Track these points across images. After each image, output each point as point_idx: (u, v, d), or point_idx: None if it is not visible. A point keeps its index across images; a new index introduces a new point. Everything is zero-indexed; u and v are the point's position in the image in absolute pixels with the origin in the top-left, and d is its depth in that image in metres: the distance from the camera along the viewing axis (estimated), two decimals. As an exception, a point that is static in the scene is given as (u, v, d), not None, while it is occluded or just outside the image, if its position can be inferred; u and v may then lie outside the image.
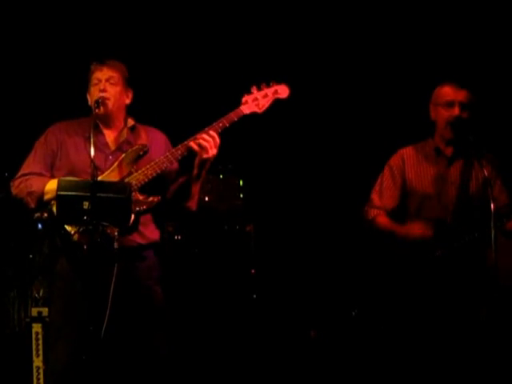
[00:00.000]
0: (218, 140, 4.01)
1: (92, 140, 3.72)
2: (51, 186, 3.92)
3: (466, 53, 5.50)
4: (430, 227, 4.35)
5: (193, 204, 4.15)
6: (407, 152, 4.55)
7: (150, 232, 4.10)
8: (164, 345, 4.03)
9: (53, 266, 4.02)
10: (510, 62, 5.48)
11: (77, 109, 4.18)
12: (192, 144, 3.99)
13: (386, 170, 4.56)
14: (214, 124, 4.04)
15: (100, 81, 4.07)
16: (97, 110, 3.96)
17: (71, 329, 3.89)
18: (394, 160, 4.56)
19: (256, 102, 4.14)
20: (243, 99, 4.14)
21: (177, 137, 4.16)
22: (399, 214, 4.52)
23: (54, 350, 3.97)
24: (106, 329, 3.77)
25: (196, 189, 4.11)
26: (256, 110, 4.14)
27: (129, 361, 3.97)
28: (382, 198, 4.53)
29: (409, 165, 4.52)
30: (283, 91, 4.19)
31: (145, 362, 3.98)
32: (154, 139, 4.17)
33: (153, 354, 3.99)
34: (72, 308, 3.90)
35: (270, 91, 4.17)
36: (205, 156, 3.98)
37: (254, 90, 4.17)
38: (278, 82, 4.19)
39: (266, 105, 4.16)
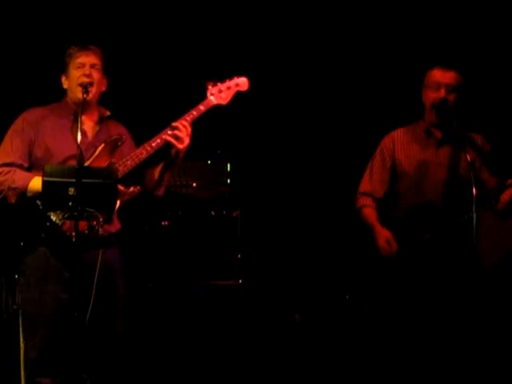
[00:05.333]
0: (189, 130, 4.06)
1: (79, 125, 3.75)
2: (35, 183, 3.91)
3: (463, 34, 5.49)
4: (393, 244, 4.39)
5: (162, 191, 4.23)
6: (398, 134, 4.59)
7: (116, 220, 4.15)
8: (124, 330, 4.13)
9: (25, 255, 4.06)
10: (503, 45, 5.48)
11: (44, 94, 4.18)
12: (168, 137, 4.03)
13: (377, 153, 4.60)
14: (185, 115, 4.08)
15: (85, 65, 4.06)
16: (84, 95, 3.95)
17: (46, 317, 3.95)
18: (385, 142, 4.60)
19: (220, 93, 4.17)
20: (209, 91, 4.17)
21: (148, 125, 4.21)
22: (390, 196, 4.55)
23: (30, 338, 4.05)
24: (89, 316, 3.88)
25: (168, 176, 4.21)
26: (221, 101, 4.17)
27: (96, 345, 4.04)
28: (371, 181, 4.57)
29: (399, 146, 4.55)
30: (243, 84, 4.23)
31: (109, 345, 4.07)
32: (121, 134, 4.19)
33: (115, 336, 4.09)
34: (47, 296, 3.95)
35: (231, 83, 4.20)
36: (180, 146, 4.04)
37: (216, 81, 4.20)
38: (239, 75, 4.23)
39: (229, 97, 4.19)
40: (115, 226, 4.15)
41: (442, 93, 4.40)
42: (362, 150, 4.87)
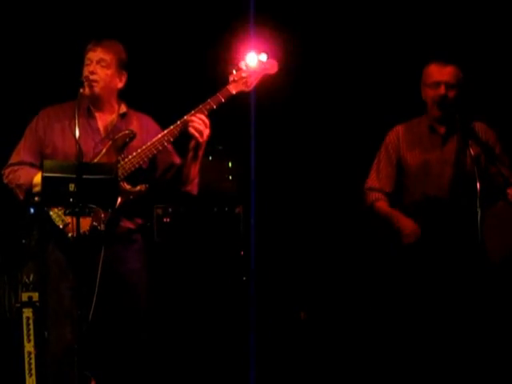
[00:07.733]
0: (207, 121, 3.94)
1: (77, 121, 3.68)
2: (39, 178, 3.85)
3: (462, 28, 5.45)
4: (418, 231, 4.35)
5: (193, 187, 4.12)
6: (402, 129, 4.56)
7: (137, 215, 4.08)
8: (145, 331, 4.08)
9: (43, 249, 4.05)
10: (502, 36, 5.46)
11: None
12: (190, 129, 3.92)
13: (383, 149, 4.57)
14: (201, 106, 3.96)
15: (91, 62, 4.01)
16: (81, 90, 3.90)
17: (67, 311, 3.92)
18: (390, 137, 4.57)
19: (244, 80, 4.01)
20: (230, 77, 4.02)
21: (163, 117, 4.13)
22: (398, 193, 4.53)
23: (52, 332, 4.04)
24: (95, 313, 3.83)
25: (194, 172, 4.06)
26: (244, 88, 4.02)
27: (113, 343, 4.04)
28: (379, 178, 4.54)
29: (404, 142, 4.52)
30: (272, 67, 4.06)
31: (126, 345, 4.04)
32: (145, 127, 4.13)
33: (134, 338, 4.04)
34: (65, 290, 3.94)
35: (258, 68, 4.04)
36: (201, 140, 3.93)
37: (241, 65, 4.04)
38: (267, 58, 4.06)
39: (255, 82, 4.04)
40: (135, 221, 4.08)
41: (442, 90, 4.38)
42: (365, 146, 4.85)
